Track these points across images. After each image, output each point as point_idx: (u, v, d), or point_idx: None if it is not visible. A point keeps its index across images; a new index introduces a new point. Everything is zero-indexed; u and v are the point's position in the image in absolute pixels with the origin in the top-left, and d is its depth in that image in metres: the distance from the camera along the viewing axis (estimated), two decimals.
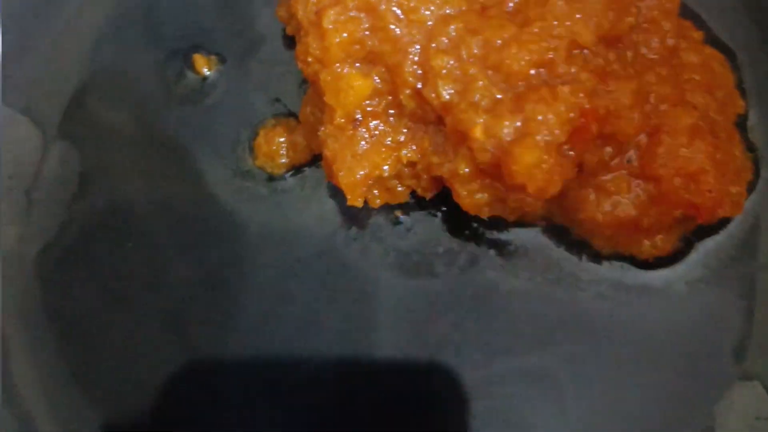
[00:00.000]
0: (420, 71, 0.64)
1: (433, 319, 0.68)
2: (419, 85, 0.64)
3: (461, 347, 0.68)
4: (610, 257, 0.70)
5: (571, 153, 0.62)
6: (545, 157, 0.60)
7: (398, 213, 0.71)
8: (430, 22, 0.64)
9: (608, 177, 0.66)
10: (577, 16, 0.63)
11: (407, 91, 0.65)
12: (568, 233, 0.70)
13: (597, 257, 0.70)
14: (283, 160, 0.72)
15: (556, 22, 0.63)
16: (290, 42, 0.75)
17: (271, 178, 0.72)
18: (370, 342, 0.68)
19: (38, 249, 0.71)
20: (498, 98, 0.62)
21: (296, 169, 0.72)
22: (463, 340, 0.68)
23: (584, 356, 0.67)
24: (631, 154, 0.66)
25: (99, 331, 0.69)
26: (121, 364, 0.68)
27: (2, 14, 0.71)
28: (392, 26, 0.64)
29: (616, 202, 0.66)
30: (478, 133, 0.61)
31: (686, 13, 0.75)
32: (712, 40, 0.74)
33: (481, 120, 0.61)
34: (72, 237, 0.71)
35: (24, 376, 0.68)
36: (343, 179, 0.65)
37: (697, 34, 0.71)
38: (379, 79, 0.65)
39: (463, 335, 0.68)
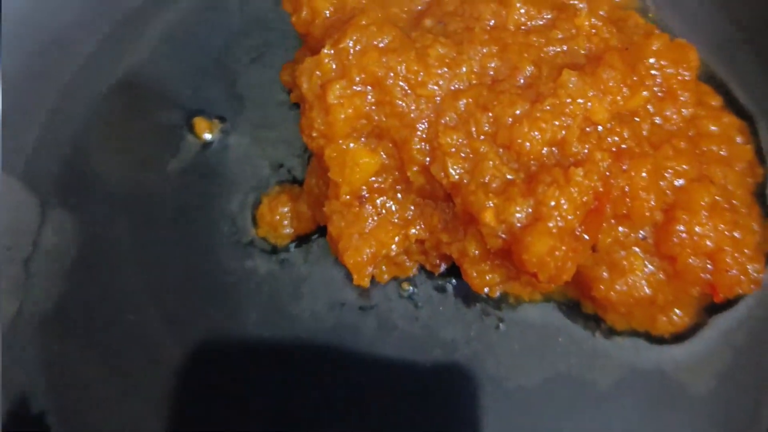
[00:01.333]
0: (428, 147, 0.62)
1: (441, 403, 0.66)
2: (427, 162, 0.62)
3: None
4: (623, 333, 0.67)
5: (585, 236, 0.60)
6: (557, 244, 0.58)
7: (406, 285, 0.69)
8: (438, 97, 0.62)
9: (622, 254, 0.64)
10: (591, 93, 0.60)
11: (415, 168, 0.63)
12: (580, 308, 0.67)
13: (611, 332, 0.67)
14: (287, 231, 0.70)
15: (569, 99, 0.60)
16: (294, 106, 0.73)
17: (275, 249, 0.70)
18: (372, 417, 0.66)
19: (37, 322, 0.69)
20: (509, 179, 0.60)
21: (300, 239, 0.70)
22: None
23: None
24: (647, 231, 0.64)
25: (96, 403, 0.68)
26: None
27: (1, 79, 0.69)
28: (399, 101, 0.62)
29: (630, 280, 0.64)
30: (488, 218, 0.59)
31: (704, 74, 0.72)
32: (731, 103, 0.71)
33: (492, 204, 0.59)
34: (71, 309, 0.69)
35: None
36: (349, 259, 0.63)
37: (716, 101, 0.69)
38: (386, 154, 0.63)
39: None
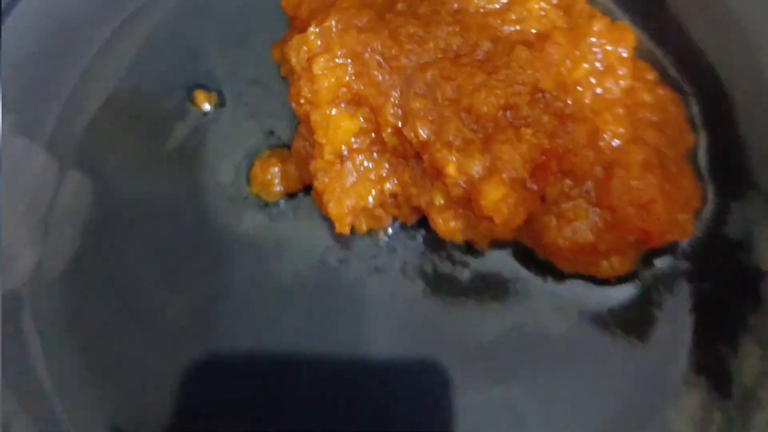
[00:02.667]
0: (400, 112, 0.72)
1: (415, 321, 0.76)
2: (400, 125, 0.72)
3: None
4: (572, 277, 0.77)
5: (534, 187, 0.70)
6: (510, 192, 0.67)
7: (382, 236, 0.79)
8: (409, 70, 0.71)
9: (568, 205, 0.73)
10: (538, 64, 0.70)
11: (389, 130, 0.72)
12: (534, 256, 0.77)
13: (561, 277, 0.77)
14: (278, 189, 0.79)
15: (520, 71, 0.70)
16: (284, 81, 0.82)
17: (266, 205, 0.79)
18: (361, 339, 0.75)
19: (56, 273, 0.78)
20: (469, 138, 0.70)
21: (289, 196, 0.80)
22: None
23: (546, 379, 0.74)
24: (589, 185, 0.73)
25: (116, 342, 0.76)
26: (137, 371, 0.76)
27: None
28: (375, 72, 0.71)
29: (575, 228, 0.73)
30: (451, 170, 0.68)
31: (642, 51, 0.82)
32: (668, 78, 0.81)
33: (454, 158, 0.68)
34: (87, 260, 0.78)
35: (46, 383, 0.75)
36: (332, 210, 0.72)
37: (652, 75, 0.79)
38: (364, 119, 0.72)
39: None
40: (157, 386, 0.75)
